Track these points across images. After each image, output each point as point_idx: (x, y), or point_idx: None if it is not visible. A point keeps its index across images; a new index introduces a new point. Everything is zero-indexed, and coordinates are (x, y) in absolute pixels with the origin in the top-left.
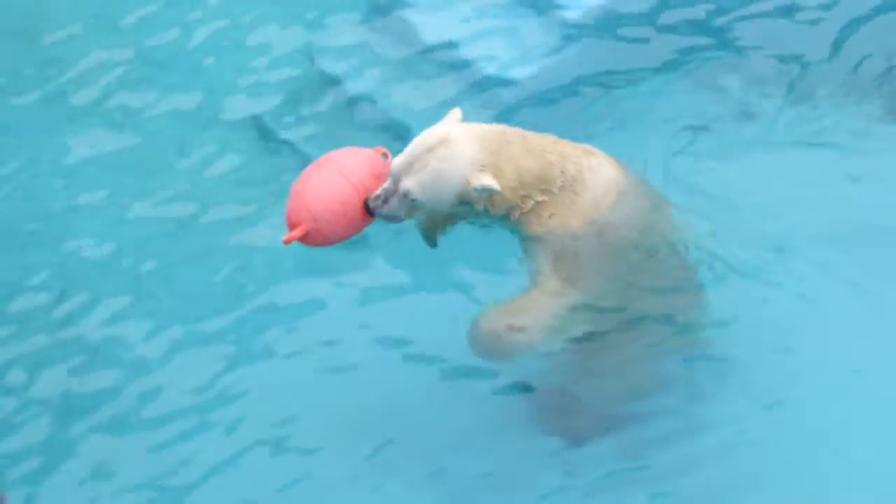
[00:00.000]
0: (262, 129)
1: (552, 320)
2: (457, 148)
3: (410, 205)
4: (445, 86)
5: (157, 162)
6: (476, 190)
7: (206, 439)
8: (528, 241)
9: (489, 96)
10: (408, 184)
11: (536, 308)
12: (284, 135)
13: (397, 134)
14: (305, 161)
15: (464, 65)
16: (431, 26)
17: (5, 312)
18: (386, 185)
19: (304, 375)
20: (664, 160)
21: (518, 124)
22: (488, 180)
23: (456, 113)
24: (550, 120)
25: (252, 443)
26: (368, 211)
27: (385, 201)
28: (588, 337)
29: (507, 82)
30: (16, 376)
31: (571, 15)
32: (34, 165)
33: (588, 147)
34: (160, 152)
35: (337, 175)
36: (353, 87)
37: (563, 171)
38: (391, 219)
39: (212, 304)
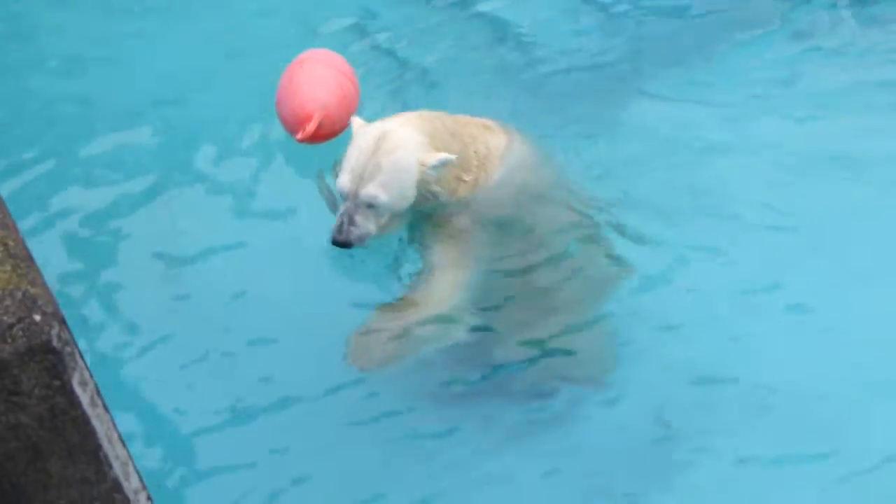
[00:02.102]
0: None
1: (437, 316)
2: (399, 137)
3: (377, 213)
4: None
5: None
6: (432, 167)
7: None
8: (428, 230)
9: None
10: (369, 190)
11: (423, 308)
12: None
13: None
14: None
15: None
16: None
17: None
18: (342, 209)
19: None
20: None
21: None
22: (441, 154)
23: (357, 121)
24: None
25: None
26: (337, 245)
27: (351, 222)
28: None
29: None
30: None
31: None
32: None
33: (485, 121)
34: None
35: (322, 67)
36: None
37: (476, 152)
38: (362, 239)
39: None
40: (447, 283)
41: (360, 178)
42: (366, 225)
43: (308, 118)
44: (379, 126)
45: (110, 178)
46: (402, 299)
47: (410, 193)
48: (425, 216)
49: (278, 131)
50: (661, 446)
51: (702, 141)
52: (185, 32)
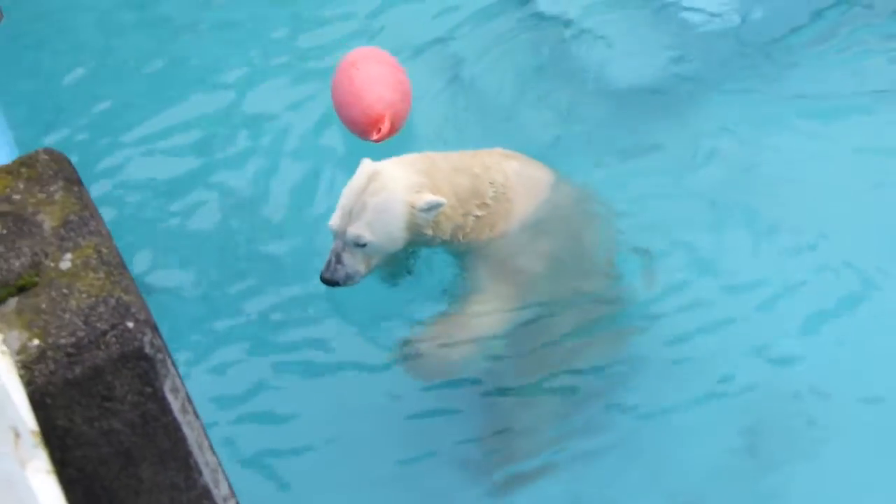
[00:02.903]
0: None
1: (488, 329)
2: (388, 178)
3: (364, 252)
4: None
5: None
6: (422, 210)
7: None
8: (471, 259)
9: None
10: (355, 229)
11: (472, 321)
12: None
13: None
14: None
15: None
16: None
17: None
18: (331, 248)
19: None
20: None
21: None
22: (431, 196)
23: (366, 162)
24: None
25: None
26: (325, 283)
27: (339, 261)
28: (530, 331)
29: None
30: None
31: None
32: None
33: (504, 151)
34: None
35: (376, 65)
36: None
37: (491, 182)
38: (351, 278)
39: None
40: (496, 308)
41: (349, 217)
42: (353, 264)
43: (380, 118)
44: (374, 165)
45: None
46: (450, 315)
47: (399, 235)
48: (474, 252)
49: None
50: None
51: (775, 165)
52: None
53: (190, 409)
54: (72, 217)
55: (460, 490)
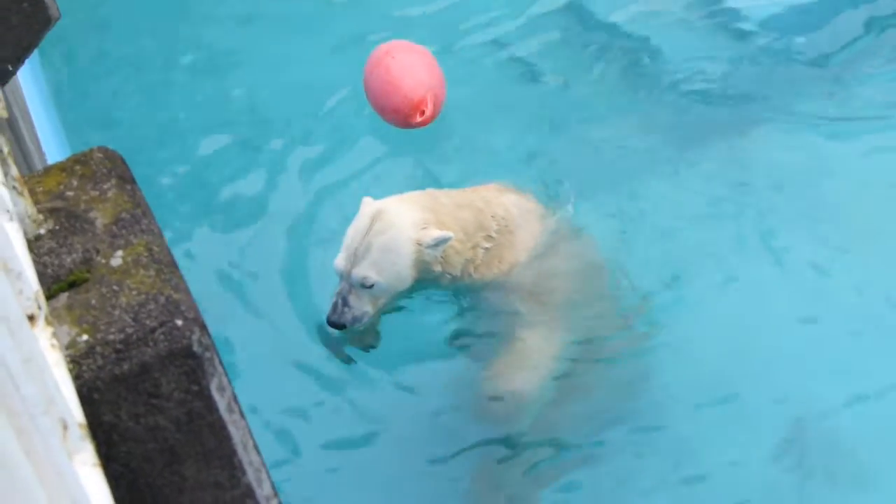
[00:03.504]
0: None
1: (552, 361)
2: (394, 215)
3: (371, 293)
4: None
5: None
6: (430, 247)
7: None
8: (490, 294)
9: None
10: (361, 271)
11: (537, 353)
12: None
13: None
14: None
15: None
16: None
17: None
18: (336, 291)
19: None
20: None
21: None
22: (438, 231)
23: (367, 201)
24: None
25: None
26: (331, 326)
27: (345, 304)
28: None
29: None
30: None
31: None
32: None
33: (498, 185)
34: None
35: (410, 54)
36: None
37: (493, 216)
38: (359, 320)
39: None
40: (548, 333)
41: (354, 258)
42: (360, 306)
43: (422, 101)
44: (377, 204)
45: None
46: (511, 352)
47: (407, 274)
48: (494, 290)
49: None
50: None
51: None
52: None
53: (236, 408)
54: (124, 215)
55: None
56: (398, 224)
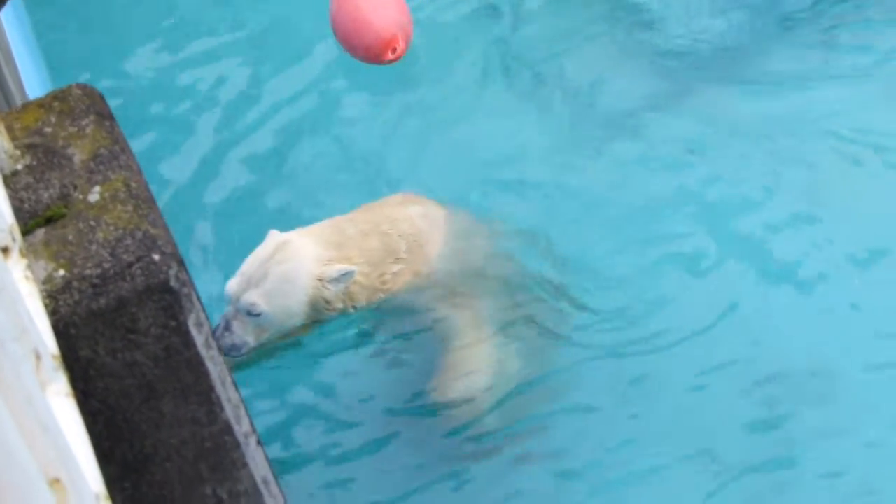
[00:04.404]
0: None
1: (490, 356)
2: (297, 247)
3: (257, 322)
4: None
5: None
6: (332, 282)
7: None
8: (407, 309)
9: None
10: (250, 297)
11: (473, 355)
12: None
13: None
14: None
15: None
16: None
17: None
18: (224, 313)
19: None
20: None
21: None
22: (341, 266)
23: (273, 233)
24: None
25: None
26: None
27: (227, 328)
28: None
29: None
30: None
31: None
32: None
33: (404, 195)
34: None
35: None
36: None
37: (401, 235)
38: (237, 348)
39: None
40: (485, 332)
41: (247, 283)
42: (242, 335)
43: (394, 38)
44: (284, 235)
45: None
46: (454, 352)
47: (299, 310)
48: (414, 300)
49: None
50: None
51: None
52: None
53: (213, 344)
54: (102, 151)
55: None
56: (300, 257)
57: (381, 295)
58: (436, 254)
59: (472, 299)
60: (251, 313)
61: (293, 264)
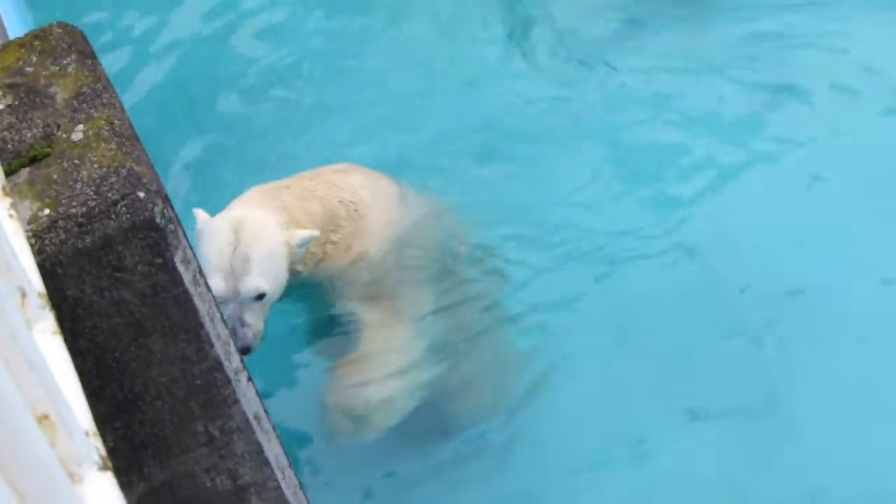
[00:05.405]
0: None
1: (405, 358)
2: (258, 222)
3: (262, 304)
4: None
5: None
6: (299, 246)
7: None
8: (338, 287)
9: None
10: (250, 283)
11: (383, 354)
12: None
13: None
14: None
15: None
16: None
17: None
18: (227, 314)
19: None
20: None
21: None
22: (301, 231)
23: (201, 215)
24: None
25: None
26: (243, 353)
27: (244, 325)
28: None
29: None
30: None
31: None
32: None
33: (343, 165)
34: None
35: None
36: None
37: (340, 200)
38: (258, 336)
39: None
40: (402, 331)
41: (233, 276)
42: (256, 322)
43: None
44: (229, 217)
45: None
46: (354, 358)
47: (284, 277)
48: (337, 283)
49: None
50: None
51: None
52: None
53: (202, 281)
54: (84, 89)
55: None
56: (268, 230)
57: (317, 265)
58: (373, 233)
59: (396, 294)
60: (257, 298)
61: (268, 239)
